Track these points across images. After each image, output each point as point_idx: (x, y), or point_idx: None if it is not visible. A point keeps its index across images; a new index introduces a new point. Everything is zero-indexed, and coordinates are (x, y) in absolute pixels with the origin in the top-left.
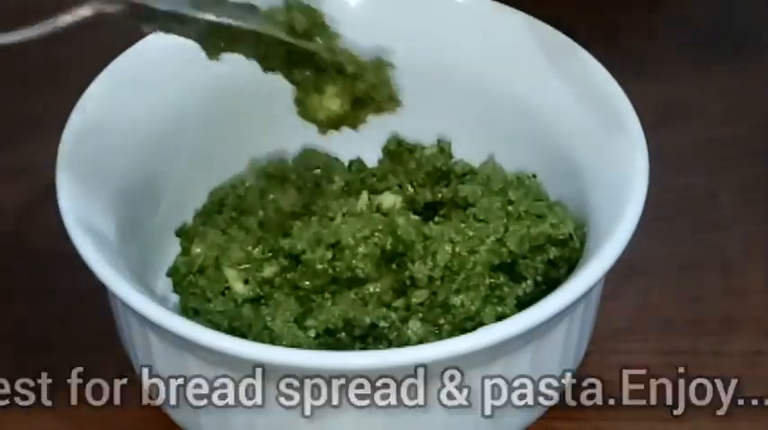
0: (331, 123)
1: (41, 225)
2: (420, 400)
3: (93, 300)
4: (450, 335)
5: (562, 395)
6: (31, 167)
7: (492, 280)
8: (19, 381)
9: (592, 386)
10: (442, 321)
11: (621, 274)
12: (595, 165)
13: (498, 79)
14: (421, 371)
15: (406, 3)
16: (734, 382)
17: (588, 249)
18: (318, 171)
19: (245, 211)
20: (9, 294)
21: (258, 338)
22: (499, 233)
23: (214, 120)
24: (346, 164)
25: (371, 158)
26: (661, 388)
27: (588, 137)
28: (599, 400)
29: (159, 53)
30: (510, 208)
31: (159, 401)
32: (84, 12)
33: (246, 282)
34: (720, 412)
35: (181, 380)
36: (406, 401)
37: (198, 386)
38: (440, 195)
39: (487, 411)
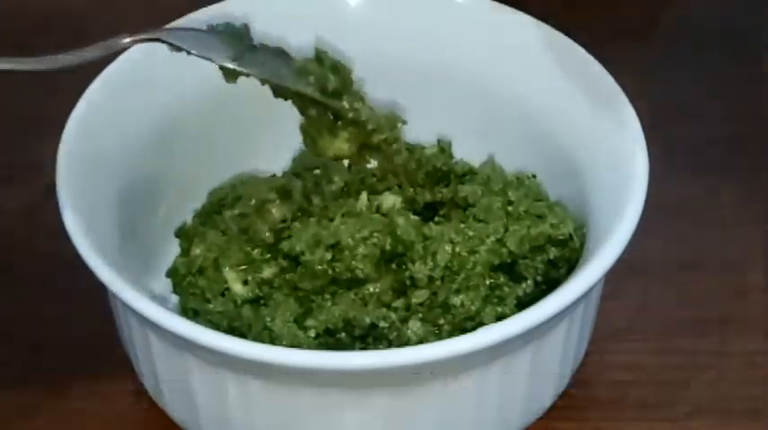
0: (335, 159)
1: (41, 225)
2: (420, 400)
3: (93, 300)
4: (451, 335)
5: (562, 395)
6: (31, 167)
7: (492, 280)
8: (19, 382)
9: (592, 386)
10: (441, 321)
11: (621, 274)
12: (595, 165)
13: (498, 79)
14: (421, 371)
15: (406, 3)
16: (734, 382)
17: (588, 249)
18: (318, 171)
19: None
20: (9, 294)
21: (258, 338)
22: (499, 233)
23: (214, 121)
24: (346, 164)
25: None
26: (661, 388)
27: (588, 137)
28: (599, 400)
29: (159, 53)
30: (510, 208)
31: (159, 401)
32: (125, 42)
33: (246, 282)
34: (720, 412)
35: (181, 380)
36: (406, 401)
37: (198, 386)
38: (440, 195)
39: (488, 411)
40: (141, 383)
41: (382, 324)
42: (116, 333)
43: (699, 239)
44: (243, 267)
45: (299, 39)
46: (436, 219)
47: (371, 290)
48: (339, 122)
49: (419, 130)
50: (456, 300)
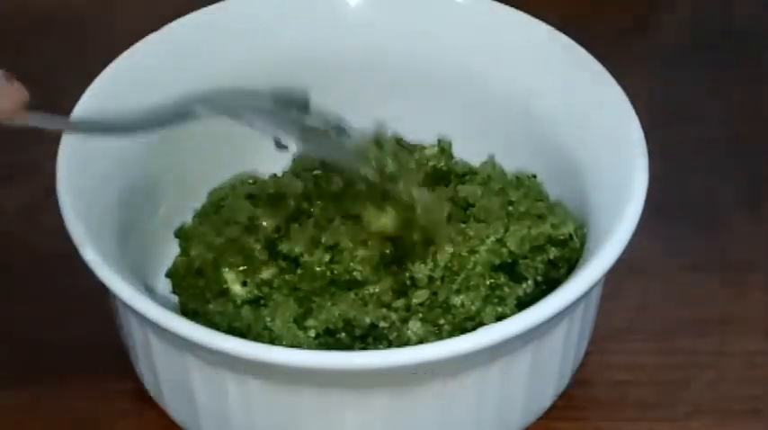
0: (377, 233)
1: (41, 225)
2: (420, 400)
3: (93, 300)
4: (451, 335)
5: (562, 395)
6: (31, 167)
7: (492, 280)
8: (19, 382)
9: (592, 386)
10: (442, 321)
11: (621, 274)
12: (595, 165)
13: (498, 79)
14: (421, 371)
15: (406, 3)
16: (734, 382)
17: (588, 249)
18: (318, 172)
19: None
20: (9, 294)
21: (258, 339)
22: (499, 233)
23: (214, 120)
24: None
25: None
26: (661, 388)
27: (588, 137)
28: (599, 400)
29: (159, 53)
30: (510, 208)
31: (159, 401)
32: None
33: (245, 283)
34: (720, 412)
35: (181, 380)
36: (406, 401)
37: (198, 386)
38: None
39: (487, 411)
40: (141, 383)
41: (382, 324)
42: (116, 333)
43: (699, 239)
44: (242, 268)
45: (299, 39)
46: None
47: (371, 290)
48: (386, 200)
49: (419, 130)
50: (456, 300)
